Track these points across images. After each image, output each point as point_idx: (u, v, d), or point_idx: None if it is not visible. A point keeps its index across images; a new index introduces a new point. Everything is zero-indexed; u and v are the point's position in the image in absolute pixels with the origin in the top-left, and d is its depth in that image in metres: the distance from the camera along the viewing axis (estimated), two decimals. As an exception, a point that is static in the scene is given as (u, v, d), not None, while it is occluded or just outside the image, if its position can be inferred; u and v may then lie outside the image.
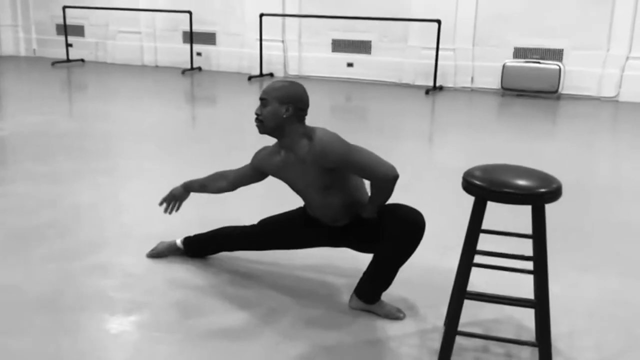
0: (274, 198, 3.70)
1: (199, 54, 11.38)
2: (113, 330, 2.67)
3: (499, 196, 2.16)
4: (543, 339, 2.28)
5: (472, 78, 9.62)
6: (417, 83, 9.85)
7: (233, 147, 5.73)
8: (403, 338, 2.62)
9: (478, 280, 2.93)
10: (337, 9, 10.07)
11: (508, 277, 2.60)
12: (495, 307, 2.77)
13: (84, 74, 10.94)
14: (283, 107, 2.69)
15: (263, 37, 10.42)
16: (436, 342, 2.51)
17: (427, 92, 9.23)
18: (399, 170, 2.64)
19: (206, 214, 3.98)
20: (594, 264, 3.41)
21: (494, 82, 9.38)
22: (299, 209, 3.07)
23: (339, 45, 10.47)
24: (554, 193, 2.16)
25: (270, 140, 2.90)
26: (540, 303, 2.26)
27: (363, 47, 10.30)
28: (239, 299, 2.93)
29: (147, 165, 5.24)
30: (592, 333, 2.69)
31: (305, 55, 10.70)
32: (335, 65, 10.46)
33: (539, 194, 2.14)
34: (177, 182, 4.75)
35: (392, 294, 2.85)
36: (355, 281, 2.86)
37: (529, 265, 2.33)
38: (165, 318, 2.76)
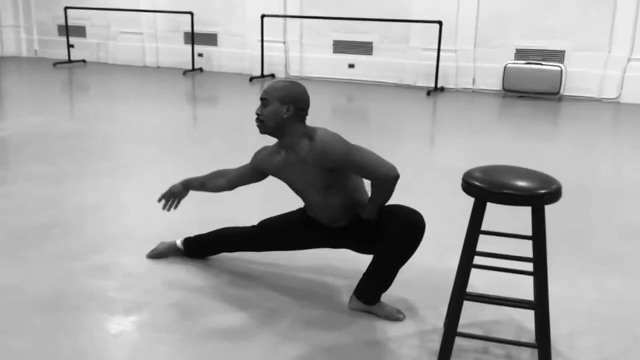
0: (274, 198, 3.70)
1: (200, 54, 11.38)
2: (113, 330, 2.67)
3: (498, 197, 2.16)
4: (543, 340, 2.28)
5: (473, 79, 9.62)
6: (419, 84, 9.85)
7: (234, 147, 5.73)
8: (403, 339, 2.62)
9: (478, 282, 2.92)
10: (339, 10, 10.07)
11: (508, 278, 2.60)
12: (495, 308, 2.77)
13: (86, 75, 10.96)
14: (284, 107, 2.70)
15: (264, 38, 10.42)
16: (436, 343, 2.51)
17: (428, 93, 9.23)
18: (399, 171, 2.64)
19: (206, 214, 3.99)
20: (594, 265, 3.41)
21: (496, 84, 9.37)
22: (299, 210, 3.07)
23: (340, 46, 10.47)
24: (554, 194, 2.16)
25: (271, 141, 2.90)
26: (539, 304, 2.26)
27: (364, 48, 10.30)
28: (238, 300, 2.93)
29: (148, 166, 5.24)
30: (592, 334, 2.69)
31: (307, 56, 10.70)
32: (337, 66, 10.46)
33: (539, 195, 2.14)
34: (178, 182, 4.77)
35: (392, 294, 2.85)
36: (355, 282, 2.86)
37: (529, 266, 2.33)
38: (165, 318, 2.76)
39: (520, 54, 9.28)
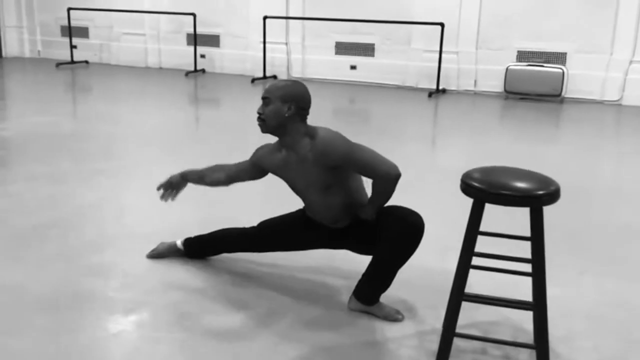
0: (274, 198, 3.71)
1: (202, 56, 11.40)
2: (113, 329, 2.68)
3: (497, 198, 2.17)
4: (541, 341, 2.28)
5: (475, 81, 9.62)
6: (420, 86, 9.85)
7: (235, 148, 5.71)
8: (402, 339, 2.62)
9: (477, 282, 2.92)
10: (341, 11, 10.08)
11: (507, 279, 2.61)
12: (493, 309, 2.77)
13: (88, 76, 10.98)
14: (285, 105, 2.70)
15: (267, 40, 10.44)
16: (435, 344, 2.51)
17: (430, 95, 9.24)
18: (401, 172, 2.64)
19: (206, 214, 4.00)
20: (594, 266, 3.41)
21: (497, 86, 9.37)
22: (299, 210, 3.08)
23: (342, 48, 10.48)
24: (552, 195, 2.16)
25: (272, 140, 2.91)
26: (538, 305, 2.26)
27: (366, 49, 10.31)
28: (238, 300, 2.94)
29: (150, 167, 5.25)
30: (591, 335, 2.69)
31: (309, 58, 10.71)
32: (339, 67, 10.47)
33: (537, 196, 2.15)
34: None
35: (391, 295, 2.85)
36: (354, 283, 2.86)
37: (528, 267, 2.33)
38: (165, 318, 2.77)
39: (522, 56, 9.28)
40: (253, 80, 10.41)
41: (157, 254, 3.36)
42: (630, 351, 2.58)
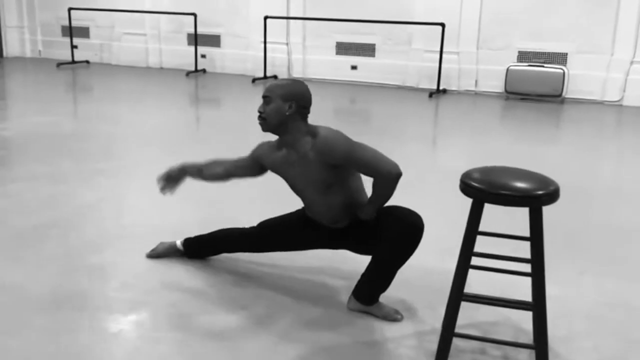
0: (274, 199, 3.71)
1: (203, 56, 11.40)
2: (112, 329, 2.68)
3: (496, 198, 2.17)
4: (540, 341, 2.28)
5: (475, 81, 9.61)
6: (421, 86, 9.85)
7: (236, 148, 5.68)
8: (401, 339, 2.62)
9: (476, 282, 2.92)
10: (341, 11, 10.08)
11: (507, 279, 2.60)
12: (493, 309, 2.77)
13: (89, 76, 10.99)
14: (286, 104, 2.70)
15: (267, 40, 10.44)
16: (434, 344, 2.51)
17: (430, 95, 9.24)
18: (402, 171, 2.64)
19: (206, 214, 4.00)
20: (594, 266, 3.41)
21: (498, 86, 9.37)
22: (298, 211, 3.07)
23: (343, 48, 10.48)
24: (552, 195, 2.16)
25: (273, 138, 2.90)
26: (537, 305, 2.26)
27: (367, 49, 10.31)
28: (238, 300, 2.94)
29: (150, 167, 5.23)
30: (590, 336, 2.69)
31: (309, 58, 10.72)
32: (339, 67, 10.47)
33: (536, 196, 2.15)
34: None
35: (390, 295, 2.86)
36: (353, 283, 2.86)
37: (527, 267, 2.33)
38: (164, 318, 2.77)
39: (523, 56, 9.28)
40: (254, 80, 10.42)
41: (157, 254, 3.36)
42: (630, 351, 2.58)
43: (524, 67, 9.04)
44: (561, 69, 8.82)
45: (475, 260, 2.33)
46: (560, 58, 9.09)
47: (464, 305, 2.46)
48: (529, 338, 2.60)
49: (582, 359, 2.51)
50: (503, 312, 2.80)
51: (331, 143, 2.64)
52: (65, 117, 7.37)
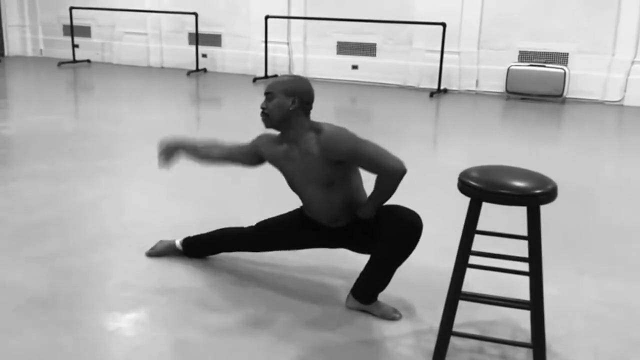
0: (274, 199, 3.71)
1: (204, 55, 11.40)
2: (111, 327, 2.68)
3: (494, 197, 2.17)
4: (537, 340, 2.28)
5: (476, 81, 9.61)
6: (422, 86, 9.85)
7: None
8: (399, 338, 2.62)
9: (475, 282, 2.93)
10: (342, 11, 10.08)
11: (507, 278, 2.60)
12: (492, 309, 2.77)
13: (90, 75, 10.99)
14: (289, 99, 2.69)
15: (268, 39, 10.44)
16: (432, 343, 2.51)
17: (431, 95, 9.23)
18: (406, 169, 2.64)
19: (206, 214, 4.00)
20: (593, 266, 3.40)
21: (499, 86, 9.37)
22: (296, 210, 3.06)
23: (344, 48, 10.48)
24: (549, 194, 2.16)
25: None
26: (534, 304, 2.26)
27: (368, 49, 10.31)
28: (236, 299, 2.94)
29: (150, 166, 5.24)
30: (589, 336, 2.69)
31: (310, 58, 10.72)
32: (340, 67, 10.47)
33: (534, 195, 2.15)
34: (179, 182, 4.79)
35: (389, 294, 2.86)
36: (352, 282, 2.86)
37: (526, 266, 2.33)
38: (163, 317, 2.77)
39: (524, 56, 9.27)
40: (255, 79, 10.42)
41: (156, 253, 3.36)
42: (628, 352, 2.58)
43: (525, 67, 9.04)
44: (562, 69, 8.82)
45: (473, 259, 2.33)
46: (561, 58, 9.08)
47: (463, 305, 2.46)
48: (527, 337, 2.60)
49: (580, 359, 2.51)
50: (502, 312, 2.80)
51: (337, 139, 2.63)
52: (66, 116, 7.38)
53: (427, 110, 8.43)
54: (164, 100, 8.72)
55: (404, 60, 10.03)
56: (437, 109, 8.50)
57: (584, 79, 8.93)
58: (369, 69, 10.29)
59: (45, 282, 3.06)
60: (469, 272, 2.36)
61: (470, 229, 2.25)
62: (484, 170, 2.32)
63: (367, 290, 2.78)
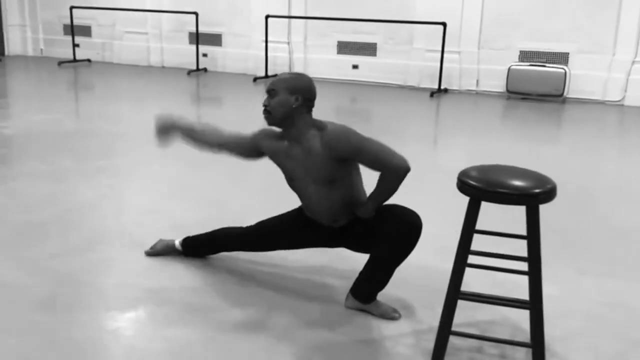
0: (274, 199, 3.70)
1: (204, 55, 11.41)
2: (110, 326, 2.68)
3: (493, 196, 2.17)
4: (537, 339, 2.28)
5: (477, 81, 9.61)
6: (422, 85, 9.85)
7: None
8: (398, 338, 2.62)
9: (475, 281, 2.93)
10: (343, 11, 10.08)
11: (507, 277, 2.60)
12: (491, 308, 2.77)
13: (91, 74, 10.99)
14: (292, 97, 2.68)
15: (269, 39, 10.44)
16: (431, 343, 2.51)
17: (431, 95, 9.23)
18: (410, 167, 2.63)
19: (206, 214, 4.00)
20: (594, 266, 3.40)
21: (499, 85, 9.37)
22: (295, 210, 3.06)
23: (344, 47, 10.48)
24: (548, 193, 2.16)
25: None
26: (533, 303, 2.26)
27: (368, 49, 10.31)
28: (236, 299, 2.94)
29: (150, 165, 5.26)
30: (589, 335, 2.69)
31: (311, 57, 10.71)
32: (341, 67, 10.47)
33: (533, 194, 2.14)
34: (179, 182, 4.79)
35: (389, 294, 2.86)
36: (351, 282, 2.86)
37: (526, 266, 2.32)
38: (162, 316, 2.77)
39: (524, 56, 9.27)
40: (255, 79, 10.42)
41: (156, 252, 3.36)
42: (627, 352, 2.57)
43: (525, 66, 9.04)
44: (563, 68, 8.82)
45: (472, 259, 2.33)
46: (561, 58, 9.08)
47: (463, 304, 2.46)
48: (526, 337, 2.60)
49: (579, 359, 2.51)
50: (501, 311, 2.80)
51: (342, 136, 2.62)
52: (67, 116, 7.37)
53: (427, 110, 8.43)
54: (164, 99, 8.72)
55: (404, 60, 10.03)
56: (437, 109, 8.50)
57: (584, 78, 8.93)
58: (369, 69, 10.29)
59: (44, 281, 3.06)
60: (468, 271, 2.36)
61: (469, 228, 2.25)
62: (483, 169, 2.32)
63: (367, 290, 2.78)
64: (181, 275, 3.16)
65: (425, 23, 9.44)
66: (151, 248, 3.38)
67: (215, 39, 11.40)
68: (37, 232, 3.67)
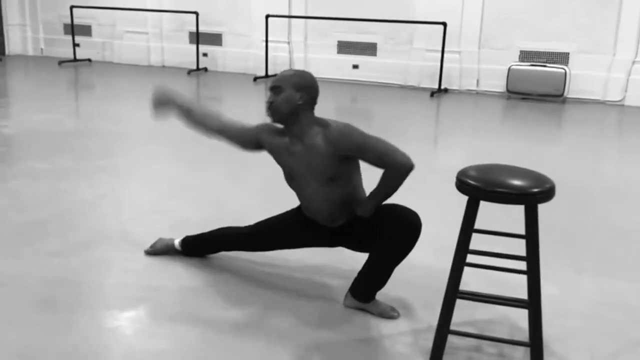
0: (274, 199, 3.70)
1: (205, 54, 11.41)
2: (109, 325, 2.69)
3: (491, 196, 2.17)
4: (535, 338, 2.28)
5: (477, 81, 9.61)
6: (422, 85, 9.85)
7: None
8: (397, 337, 2.62)
9: (474, 280, 2.93)
10: (343, 10, 10.08)
11: (505, 277, 2.60)
12: (490, 308, 2.77)
13: (91, 74, 11.00)
14: (298, 93, 2.68)
15: (269, 38, 10.45)
16: (430, 342, 2.51)
17: (432, 95, 9.23)
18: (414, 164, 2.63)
19: (206, 214, 4.00)
20: (593, 266, 3.40)
21: (500, 85, 9.37)
22: (294, 209, 3.05)
23: (344, 47, 10.48)
24: (547, 193, 2.16)
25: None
26: (532, 303, 2.26)
27: (368, 49, 10.31)
28: (234, 298, 2.94)
29: (150, 165, 5.26)
30: (587, 335, 2.69)
31: (311, 57, 10.72)
32: (341, 67, 10.47)
33: (532, 193, 2.15)
34: (179, 181, 4.79)
35: (388, 293, 2.86)
36: (350, 281, 2.86)
37: (524, 265, 2.33)
38: (161, 315, 2.77)
39: (525, 55, 9.27)
40: (255, 78, 10.42)
41: (155, 251, 3.36)
42: (626, 352, 2.57)
43: (525, 66, 9.04)
44: (563, 68, 8.82)
45: (471, 258, 2.33)
46: (562, 58, 9.08)
47: (461, 304, 2.46)
48: (524, 336, 2.60)
49: (577, 358, 2.51)
50: (500, 310, 2.80)
51: (346, 133, 2.62)
52: (67, 115, 7.38)
53: (427, 109, 8.43)
54: (164, 99, 8.71)
55: (404, 59, 10.03)
56: (437, 109, 8.50)
57: (584, 78, 8.93)
58: (369, 69, 10.29)
59: (44, 280, 3.06)
60: (467, 270, 2.36)
61: (468, 227, 2.25)
62: (482, 169, 2.32)
63: (365, 289, 2.78)
64: (181, 274, 3.17)
65: (425, 23, 9.44)
66: (151, 247, 3.38)
67: (215, 39, 11.41)
68: (36, 231, 3.68)
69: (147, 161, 5.36)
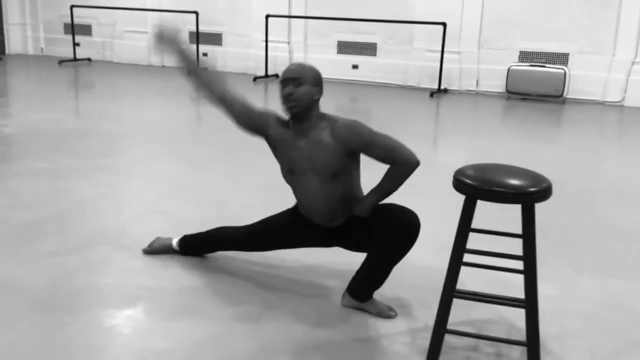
0: (274, 199, 3.70)
1: (205, 54, 11.41)
2: (107, 324, 2.69)
3: (488, 195, 2.17)
4: (532, 338, 2.29)
5: (477, 81, 9.62)
6: (422, 85, 9.86)
7: (237, 147, 5.74)
8: (394, 336, 2.63)
9: (471, 280, 2.94)
10: (343, 10, 10.09)
11: (503, 276, 2.60)
12: (488, 307, 2.78)
13: (91, 73, 11.00)
14: (315, 88, 2.68)
15: (269, 38, 10.46)
16: (427, 341, 2.51)
17: (431, 95, 9.24)
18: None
19: (206, 214, 4.01)
20: (592, 266, 3.41)
21: (499, 86, 9.37)
22: (290, 209, 3.05)
23: (344, 47, 10.49)
24: (544, 192, 2.16)
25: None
26: (529, 302, 2.27)
27: (368, 49, 10.31)
28: (232, 297, 2.95)
29: (150, 164, 5.26)
30: (585, 335, 2.69)
31: (311, 57, 10.71)
32: (341, 67, 10.47)
33: (529, 193, 2.15)
34: (178, 181, 4.80)
35: (385, 292, 2.86)
36: (347, 281, 2.86)
37: (521, 264, 2.33)
38: (159, 314, 2.78)
39: (524, 56, 9.28)
40: (255, 78, 10.43)
41: (153, 250, 3.36)
42: (624, 352, 2.57)
43: (525, 67, 9.04)
44: (562, 69, 8.82)
45: (468, 257, 2.34)
46: (561, 58, 9.08)
47: (459, 303, 2.46)
48: (521, 335, 2.60)
49: (575, 358, 2.51)
50: (497, 310, 2.80)
51: (354, 128, 2.62)
52: (67, 115, 7.38)
53: (427, 110, 8.43)
54: (164, 99, 8.73)
55: (404, 60, 10.04)
56: (437, 109, 8.51)
57: (584, 79, 8.94)
58: (369, 69, 10.30)
59: (44, 279, 3.06)
60: (464, 270, 2.36)
61: (465, 227, 2.26)
62: (479, 168, 2.32)
63: (363, 288, 2.78)
64: (179, 274, 3.17)
65: (425, 23, 9.45)
66: (148, 246, 3.38)
67: (215, 39, 11.41)
68: (36, 231, 3.68)
69: (147, 161, 5.37)
